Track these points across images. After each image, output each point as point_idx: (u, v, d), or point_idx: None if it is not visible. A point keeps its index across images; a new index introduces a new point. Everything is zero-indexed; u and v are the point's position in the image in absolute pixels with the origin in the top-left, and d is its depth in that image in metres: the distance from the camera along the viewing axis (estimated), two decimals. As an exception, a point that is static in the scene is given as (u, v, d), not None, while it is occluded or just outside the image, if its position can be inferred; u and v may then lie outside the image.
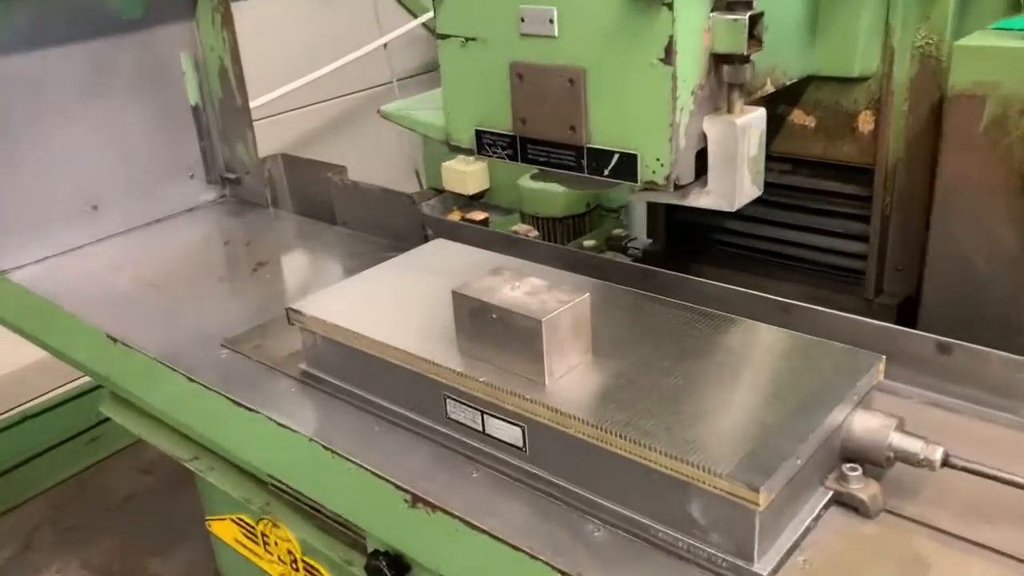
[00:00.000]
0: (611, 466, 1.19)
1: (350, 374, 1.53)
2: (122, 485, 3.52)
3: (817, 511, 1.18)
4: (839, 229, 1.82)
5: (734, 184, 1.25)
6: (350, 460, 1.27)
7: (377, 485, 1.22)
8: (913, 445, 1.18)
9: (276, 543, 1.82)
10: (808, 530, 1.17)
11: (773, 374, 1.26)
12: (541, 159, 1.37)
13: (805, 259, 1.91)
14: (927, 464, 1.17)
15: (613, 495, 1.21)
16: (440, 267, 1.69)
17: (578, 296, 1.30)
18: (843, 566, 1.11)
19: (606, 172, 1.29)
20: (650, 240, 2.19)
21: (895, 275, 1.76)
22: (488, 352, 1.34)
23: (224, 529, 1.99)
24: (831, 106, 1.71)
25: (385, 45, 4.17)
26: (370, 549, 1.36)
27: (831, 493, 1.20)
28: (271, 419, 1.40)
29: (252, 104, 3.52)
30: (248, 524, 1.89)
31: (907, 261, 1.73)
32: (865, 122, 1.68)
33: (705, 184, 1.28)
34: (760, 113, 1.28)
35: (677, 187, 1.25)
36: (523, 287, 1.34)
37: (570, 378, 1.30)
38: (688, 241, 2.10)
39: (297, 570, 1.78)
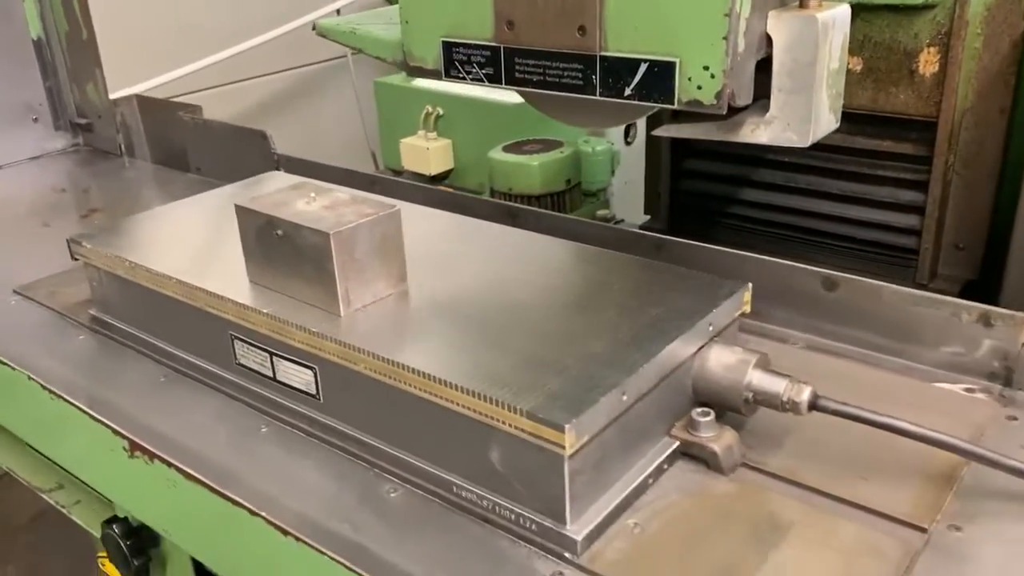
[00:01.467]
0: (409, 410, 0.96)
1: (137, 316, 1.28)
2: (31, 501, 2.82)
3: (658, 463, 0.96)
4: (887, 198, 1.49)
5: (809, 109, 0.88)
6: (67, 400, 1.02)
7: (94, 429, 0.98)
8: (775, 384, 0.97)
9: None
10: (645, 487, 0.95)
11: (614, 302, 1.04)
12: (534, 78, 1.00)
13: (841, 235, 1.55)
14: (792, 407, 0.96)
15: (413, 447, 0.98)
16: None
17: (385, 209, 1.07)
18: (682, 531, 0.90)
19: (628, 91, 0.92)
20: (648, 217, 1.83)
21: (954, 254, 1.44)
22: (278, 280, 1.10)
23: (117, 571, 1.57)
24: (884, 43, 1.39)
25: (338, 11, 3.84)
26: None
27: (677, 443, 0.99)
28: (-7, 357, 1.15)
29: (188, 69, 3.18)
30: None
31: (970, 237, 1.42)
32: (927, 63, 1.36)
33: (765, 111, 0.91)
34: (845, 9, 0.91)
35: (732, 110, 0.89)
36: (322, 200, 1.10)
37: (374, 310, 1.06)
38: (697, 217, 1.74)
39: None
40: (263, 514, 0.88)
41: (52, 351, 1.31)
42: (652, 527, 0.90)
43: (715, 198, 1.70)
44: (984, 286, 1.42)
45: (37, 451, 1.29)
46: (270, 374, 1.11)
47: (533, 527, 0.88)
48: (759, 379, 0.98)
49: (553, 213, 1.49)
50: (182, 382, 1.22)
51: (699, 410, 0.99)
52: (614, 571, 0.85)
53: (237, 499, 0.89)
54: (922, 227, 1.44)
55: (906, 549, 0.86)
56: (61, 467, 1.17)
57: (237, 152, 1.99)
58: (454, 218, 1.36)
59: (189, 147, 2.10)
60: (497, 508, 0.91)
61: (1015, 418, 1.06)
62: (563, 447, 0.82)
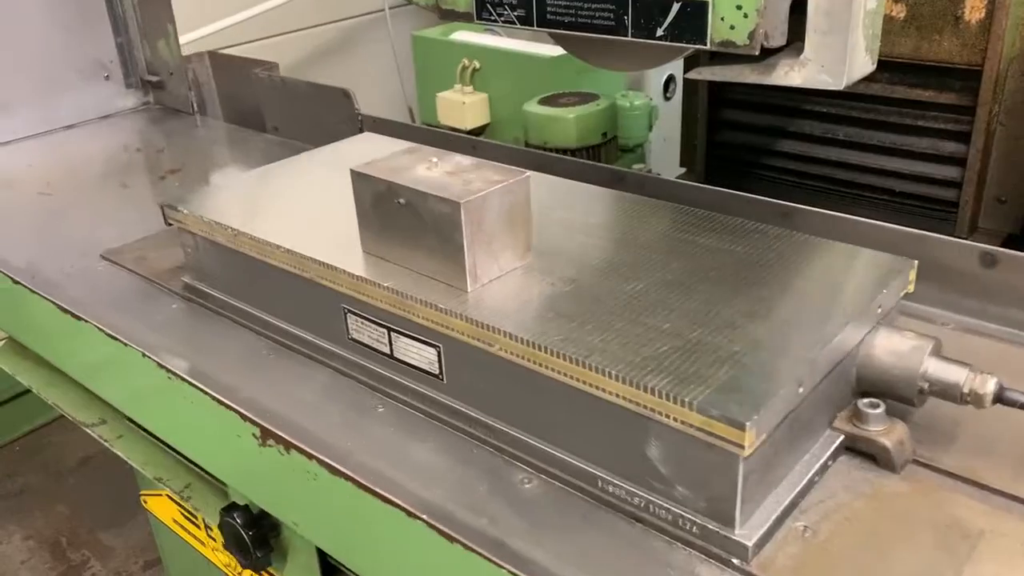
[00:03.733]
0: (548, 396, 0.88)
1: (236, 285, 1.22)
2: (80, 445, 3.08)
3: (823, 460, 0.88)
4: (928, 149, 1.45)
5: (844, 50, 0.86)
6: (190, 382, 0.96)
7: (221, 415, 0.91)
8: (955, 374, 0.87)
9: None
10: (811, 485, 0.86)
11: (768, 280, 0.95)
12: (565, 19, 0.98)
13: (880, 188, 1.52)
14: (974, 400, 0.87)
15: (551, 435, 0.91)
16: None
17: (515, 176, 0.99)
18: (859, 537, 0.81)
19: (660, 31, 0.91)
20: (684, 169, 1.80)
21: (995, 208, 1.42)
22: (397, 251, 1.02)
23: (160, 506, 1.60)
24: None
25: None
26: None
27: (842, 437, 0.90)
28: (100, 328, 1.09)
29: (225, 23, 3.11)
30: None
31: (1013, 190, 1.39)
32: (973, 9, 1.33)
33: (799, 54, 0.88)
34: None
35: (764, 51, 0.86)
36: (444, 165, 1.02)
37: (501, 284, 0.98)
38: (732, 168, 1.69)
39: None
40: (402, 504, 0.81)
41: (147, 320, 1.25)
42: (824, 531, 0.82)
43: (752, 149, 1.65)
44: (1024, 241, 1.40)
45: (142, 428, 1.24)
46: (387, 351, 1.04)
47: (694, 529, 0.80)
48: (936, 368, 0.88)
49: (667, 179, 1.39)
50: (287, 355, 1.15)
51: (867, 401, 0.89)
52: (789, 580, 0.77)
53: (377, 489, 0.82)
54: (963, 179, 1.40)
55: (1120, 564, 0.77)
56: (176, 452, 1.12)
57: (316, 111, 1.91)
58: (562, 183, 1.27)
59: (265, 106, 2.02)
60: (651, 507, 0.83)
61: None
62: (741, 447, 0.74)
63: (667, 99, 2.63)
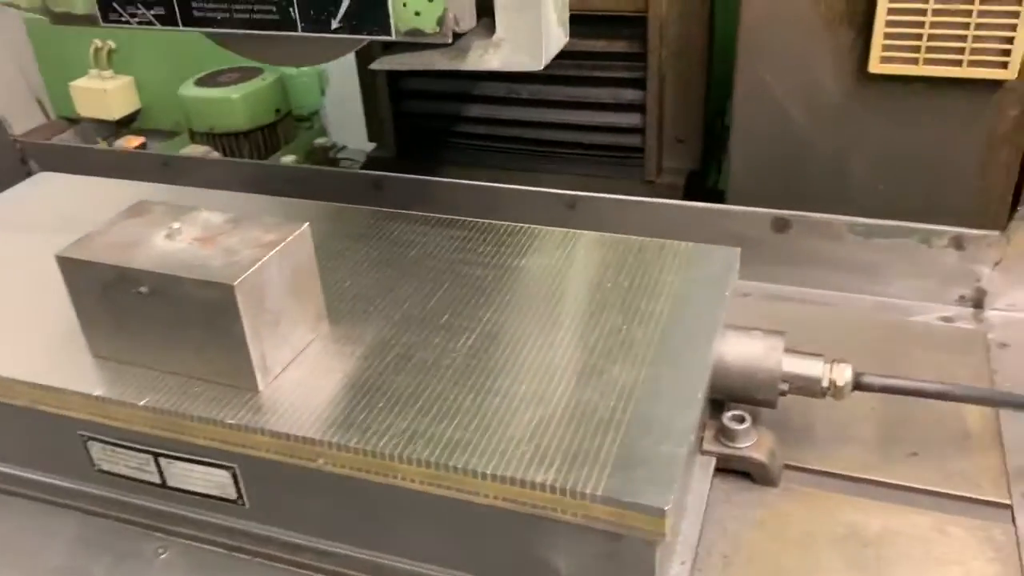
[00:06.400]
0: (401, 508, 0.71)
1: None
2: None
3: (706, 496, 0.79)
4: (608, 99, 1.46)
5: (539, 27, 0.81)
6: None
7: None
8: (813, 368, 0.82)
9: None
10: (702, 532, 0.77)
11: (604, 302, 0.84)
12: (218, 16, 0.85)
13: (569, 142, 1.52)
14: (834, 392, 0.82)
15: (409, 549, 0.74)
16: (50, 217, 1.06)
17: (291, 231, 0.78)
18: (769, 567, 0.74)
19: (336, 23, 0.81)
20: (374, 144, 1.69)
21: (676, 148, 1.46)
22: (145, 352, 0.78)
23: None
24: None
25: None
26: None
27: (714, 460, 0.82)
28: None
29: None
30: None
31: (689, 129, 1.45)
32: None
33: (490, 32, 0.82)
34: None
35: (456, 36, 0.79)
36: (189, 229, 0.78)
37: (300, 371, 0.78)
38: (423, 139, 1.61)
39: None
40: None
41: None
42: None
43: (440, 117, 1.60)
44: (705, 175, 1.51)
45: None
46: (156, 480, 0.80)
47: (606, 625, 0.69)
48: (793, 365, 0.82)
49: (429, 179, 1.24)
50: (13, 505, 0.86)
51: (732, 416, 0.82)
52: (722, 656, 0.68)
53: None
54: (644, 124, 1.44)
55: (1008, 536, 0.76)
56: None
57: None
58: (332, 211, 1.06)
59: None
60: (549, 609, 0.70)
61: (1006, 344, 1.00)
62: (660, 534, 0.62)
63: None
